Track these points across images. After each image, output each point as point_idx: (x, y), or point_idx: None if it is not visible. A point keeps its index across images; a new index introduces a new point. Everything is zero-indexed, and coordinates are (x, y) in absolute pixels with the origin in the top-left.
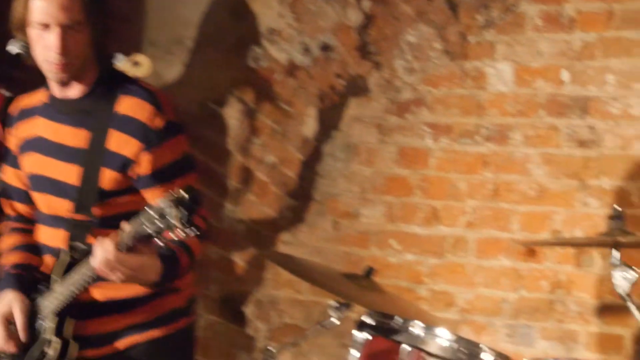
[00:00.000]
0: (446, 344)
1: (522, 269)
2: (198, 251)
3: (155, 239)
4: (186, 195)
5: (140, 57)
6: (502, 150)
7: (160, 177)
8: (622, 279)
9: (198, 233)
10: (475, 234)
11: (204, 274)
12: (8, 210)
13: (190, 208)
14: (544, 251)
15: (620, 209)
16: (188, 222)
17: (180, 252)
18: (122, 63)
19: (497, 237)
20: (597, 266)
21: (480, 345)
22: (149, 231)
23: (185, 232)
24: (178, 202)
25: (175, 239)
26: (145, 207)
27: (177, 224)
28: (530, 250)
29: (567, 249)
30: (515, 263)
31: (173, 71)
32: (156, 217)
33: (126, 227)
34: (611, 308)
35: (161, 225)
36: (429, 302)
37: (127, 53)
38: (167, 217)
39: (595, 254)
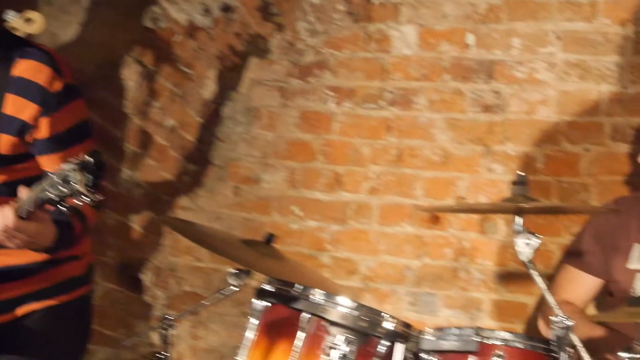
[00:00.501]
0: (347, 311)
1: (425, 236)
2: (92, 218)
3: (58, 205)
4: (91, 160)
5: (33, 14)
6: (406, 115)
7: (59, 142)
8: (524, 246)
9: (103, 199)
10: (378, 200)
11: (100, 240)
12: None
13: (95, 173)
14: (447, 218)
15: (524, 174)
16: (93, 188)
17: (74, 218)
18: (13, 20)
19: (400, 204)
20: (501, 233)
21: (382, 314)
22: (52, 197)
23: (89, 198)
24: (83, 167)
25: (80, 204)
26: (47, 172)
27: (82, 189)
28: (434, 217)
29: (471, 216)
30: (418, 230)
31: (69, 31)
32: (60, 182)
33: (26, 193)
34: (515, 276)
35: (65, 191)
36: (331, 270)
37: (20, 11)
38: (71, 182)
39: (499, 221)
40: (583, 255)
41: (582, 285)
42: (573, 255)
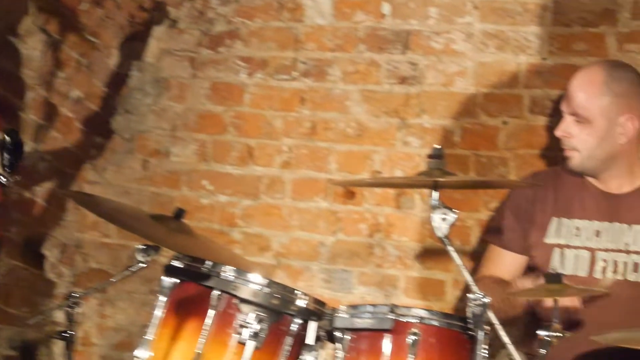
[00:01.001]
0: (259, 289)
1: (340, 211)
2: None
3: None
4: (8, 139)
5: None
6: (320, 87)
7: None
8: (441, 221)
9: (19, 179)
10: (291, 174)
11: (3, 215)
12: None
13: (13, 153)
14: (362, 193)
15: (440, 148)
16: (10, 168)
17: None
18: None
19: (314, 178)
20: (417, 208)
21: (295, 291)
22: None
23: (6, 179)
24: (1, 147)
25: None
26: None
27: None
28: (349, 192)
29: (387, 191)
30: (332, 205)
31: None
32: None
33: None
34: (431, 252)
35: None
36: (242, 246)
37: None
38: None
39: (416, 196)
40: (503, 232)
41: (505, 263)
42: (493, 233)
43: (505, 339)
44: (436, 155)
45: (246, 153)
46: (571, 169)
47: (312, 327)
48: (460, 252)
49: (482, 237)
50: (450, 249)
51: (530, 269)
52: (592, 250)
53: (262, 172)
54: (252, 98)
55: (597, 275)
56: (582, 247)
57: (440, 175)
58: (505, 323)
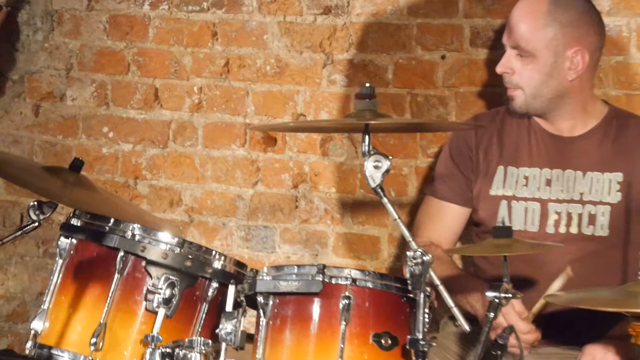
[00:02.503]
0: (169, 249)
1: (259, 160)
2: None
3: None
4: None
5: None
6: (233, 19)
7: None
8: (373, 170)
9: None
10: (203, 118)
11: None
12: None
13: None
14: (284, 138)
15: (370, 86)
16: None
17: None
18: None
19: (229, 123)
20: (346, 155)
21: (211, 251)
22: None
23: None
24: None
25: None
26: None
27: None
28: (269, 138)
29: (312, 136)
30: (251, 153)
31: None
32: None
33: None
34: (364, 205)
35: None
36: (149, 201)
37: None
38: None
39: (345, 141)
40: (443, 181)
41: (446, 217)
42: (433, 183)
43: (449, 301)
44: (366, 95)
45: (151, 95)
46: (515, 110)
47: (231, 291)
48: (396, 204)
49: (421, 189)
50: (384, 200)
51: (475, 224)
52: (543, 202)
53: (170, 117)
54: (157, 32)
55: (550, 229)
56: (531, 199)
57: (372, 117)
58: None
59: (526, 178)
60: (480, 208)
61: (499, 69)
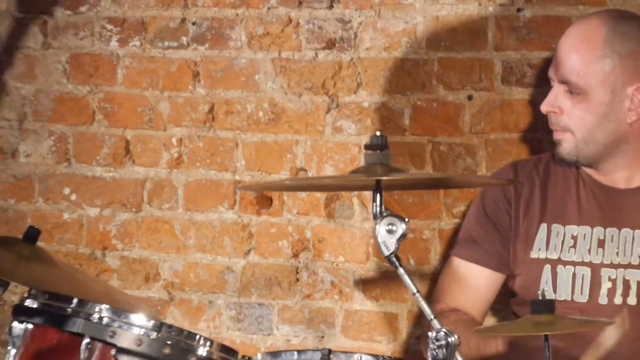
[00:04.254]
0: (144, 334)
1: (252, 224)
2: None
3: None
4: None
5: None
6: (218, 56)
7: None
8: (387, 235)
9: None
10: (184, 176)
11: None
12: None
13: None
14: (282, 198)
15: (382, 135)
16: None
17: None
18: None
19: (215, 181)
20: (356, 217)
21: (196, 336)
22: None
23: None
24: None
25: None
26: None
27: None
28: (264, 198)
29: (314, 195)
30: (242, 216)
31: None
32: None
33: None
34: (378, 276)
35: None
36: (121, 276)
37: None
38: None
39: (355, 201)
40: (474, 240)
41: (475, 282)
42: (461, 244)
43: None
44: (378, 145)
45: (121, 149)
46: (563, 157)
47: None
48: (416, 274)
49: (445, 256)
50: (400, 271)
51: (512, 294)
52: (594, 267)
53: (144, 175)
54: (127, 74)
55: (602, 300)
56: (580, 263)
57: (384, 172)
58: None
59: (574, 238)
60: (519, 274)
61: (544, 107)
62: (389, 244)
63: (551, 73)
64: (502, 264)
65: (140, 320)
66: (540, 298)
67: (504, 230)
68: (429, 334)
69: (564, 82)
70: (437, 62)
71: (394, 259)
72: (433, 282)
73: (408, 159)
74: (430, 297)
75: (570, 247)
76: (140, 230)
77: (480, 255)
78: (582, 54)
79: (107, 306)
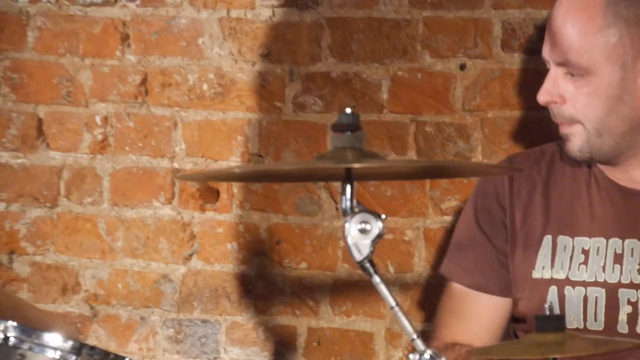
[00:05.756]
0: (61, 358)
1: (194, 222)
2: None
3: None
4: None
5: None
6: (153, 16)
7: None
8: (359, 235)
9: None
10: (110, 163)
11: None
12: None
13: None
14: (231, 190)
15: (354, 112)
16: None
17: None
18: None
19: (149, 169)
20: (323, 214)
21: None
22: None
23: None
24: None
25: None
26: None
27: None
28: (209, 191)
29: (271, 187)
30: (182, 213)
31: None
32: None
33: None
34: (350, 286)
35: None
36: (32, 286)
37: None
38: None
39: (322, 194)
40: (469, 259)
41: (477, 311)
42: (454, 260)
43: None
44: (349, 125)
45: (33, 130)
46: (574, 154)
47: None
48: (396, 284)
49: (433, 261)
50: (376, 280)
51: (515, 319)
52: (610, 288)
53: (61, 161)
54: (40, 37)
55: (622, 328)
56: (593, 283)
57: (356, 158)
58: None
59: (585, 253)
60: (520, 297)
61: (542, 97)
62: (362, 246)
63: (545, 54)
64: (505, 286)
65: (55, 341)
66: (547, 313)
67: (501, 246)
68: (411, 356)
69: (561, 63)
70: (423, 23)
71: (368, 265)
72: (416, 293)
73: (386, 142)
74: (412, 312)
75: (580, 264)
76: (56, 229)
77: (480, 278)
78: (580, 25)
79: (15, 324)
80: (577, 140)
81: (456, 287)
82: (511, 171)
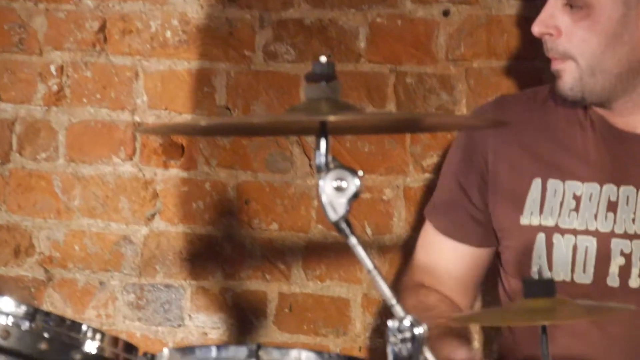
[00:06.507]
0: (13, 324)
1: (157, 180)
2: None
3: None
4: None
5: None
6: None
7: None
8: (335, 193)
9: None
10: (66, 115)
11: None
12: None
13: None
14: (197, 145)
15: (329, 61)
16: None
17: None
18: None
19: (108, 122)
20: (295, 171)
21: (81, 327)
22: None
23: None
24: None
25: None
26: None
27: None
28: (172, 146)
29: (240, 142)
30: (144, 170)
31: None
32: None
33: None
34: (323, 249)
35: None
36: None
37: None
38: None
39: (294, 150)
40: (445, 208)
41: (449, 257)
42: (435, 205)
43: None
44: (323, 75)
45: None
46: (564, 93)
47: None
48: (374, 246)
49: (414, 222)
50: (352, 241)
51: (502, 268)
52: (602, 237)
53: (13, 114)
54: None
55: (612, 281)
56: (584, 232)
57: (332, 110)
58: None
59: (577, 199)
60: (506, 245)
61: (536, 27)
62: (338, 205)
63: None
64: (483, 238)
65: (7, 306)
66: (536, 277)
67: (478, 197)
68: (389, 323)
69: None
70: None
71: (343, 226)
72: (395, 256)
73: (364, 93)
74: (390, 277)
75: (571, 211)
76: (7, 187)
77: (455, 227)
78: None
79: None
80: (568, 77)
81: (434, 232)
82: (498, 124)
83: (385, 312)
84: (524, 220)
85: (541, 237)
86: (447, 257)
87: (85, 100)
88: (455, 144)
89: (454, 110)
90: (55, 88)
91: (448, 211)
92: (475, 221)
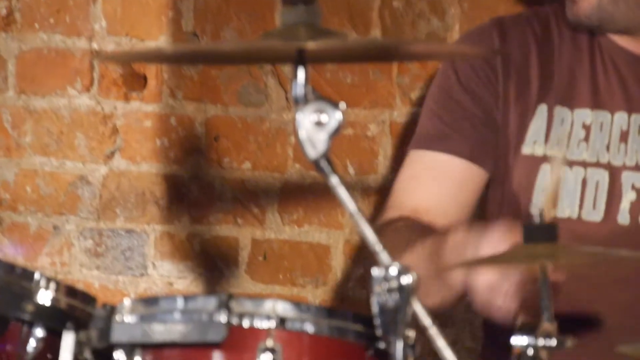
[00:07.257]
0: None
1: (117, 114)
2: None
3: None
4: None
5: None
6: None
7: None
8: (314, 128)
9: None
10: (16, 42)
11: None
12: None
13: None
14: (160, 76)
15: None
16: None
17: None
18: None
19: (62, 50)
20: (270, 104)
21: (33, 275)
22: None
23: None
24: None
25: None
26: None
27: None
28: (134, 76)
29: (208, 72)
30: (102, 103)
31: None
32: None
33: None
34: (301, 190)
35: None
36: None
37: None
38: None
39: (269, 81)
40: (440, 125)
41: (446, 176)
42: (427, 135)
43: (447, 352)
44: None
45: None
46: (579, 20)
47: (67, 343)
48: (357, 187)
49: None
50: (333, 181)
51: (498, 204)
52: (613, 170)
53: None
54: None
55: (623, 219)
56: (594, 164)
57: (310, 36)
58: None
59: (586, 128)
60: (506, 178)
61: None
62: (317, 141)
63: None
64: (482, 155)
65: None
66: (535, 217)
67: (487, 109)
68: (373, 272)
69: None
70: None
71: (324, 164)
72: (380, 198)
73: (346, 18)
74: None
75: (580, 141)
76: None
77: (451, 141)
78: None
79: None
80: (586, 3)
81: (419, 153)
82: (495, 54)
83: (369, 259)
84: (526, 150)
85: (545, 169)
86: (444, 173)
87: (37, 25)
88: (447, 67)
89: (445, 37)
90: (3, 12)
91: (450, 124)
92: (479, 132)
